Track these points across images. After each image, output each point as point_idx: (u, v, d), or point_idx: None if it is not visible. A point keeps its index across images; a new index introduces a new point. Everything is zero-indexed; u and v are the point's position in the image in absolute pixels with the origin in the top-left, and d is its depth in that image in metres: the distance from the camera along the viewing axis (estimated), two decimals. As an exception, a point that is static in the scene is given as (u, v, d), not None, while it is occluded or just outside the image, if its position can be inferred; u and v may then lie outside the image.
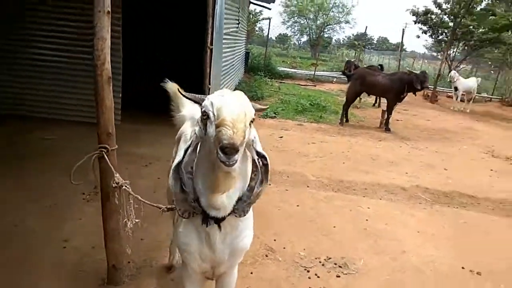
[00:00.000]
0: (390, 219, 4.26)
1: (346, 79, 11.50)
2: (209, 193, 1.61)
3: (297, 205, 4.43)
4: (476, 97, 14.05)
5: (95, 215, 3.71)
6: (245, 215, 1.70)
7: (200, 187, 1.64)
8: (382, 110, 9.13)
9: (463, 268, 3.39)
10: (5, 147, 5.23)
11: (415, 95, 9.37)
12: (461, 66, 19.62)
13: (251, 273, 3.10)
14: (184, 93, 1.74)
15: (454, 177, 5.93)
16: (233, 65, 10.87)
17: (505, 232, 4.21)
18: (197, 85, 6.76)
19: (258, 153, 1.65)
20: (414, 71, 8.71)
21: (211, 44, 6.73)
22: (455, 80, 13.12)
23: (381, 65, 13.22)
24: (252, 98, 11.33)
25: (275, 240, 3.62)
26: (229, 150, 1.39)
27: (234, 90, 8.07)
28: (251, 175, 1.67)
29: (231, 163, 1.42)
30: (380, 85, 8.69)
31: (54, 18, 6.59)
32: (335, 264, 3.32)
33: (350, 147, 7.17)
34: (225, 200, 1.61)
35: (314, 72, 16.94)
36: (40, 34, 6.62)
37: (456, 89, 13.42)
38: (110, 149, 2.54)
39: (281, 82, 14.93)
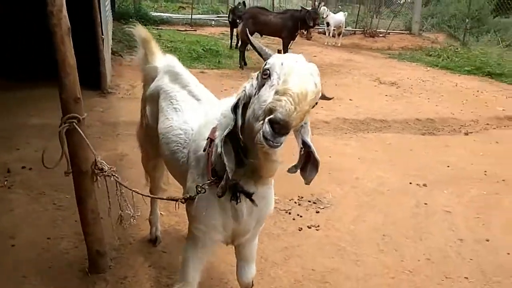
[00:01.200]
0: (331, 152, 4.49)
1: (229, 22, 11.37)
2: (248, 173, 1.47)
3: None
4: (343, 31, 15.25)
5: (28, 202, 3.11)
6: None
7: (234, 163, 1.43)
8: (278, 50, 9.25)
9: (410, 183, 3.81)
10: None
11: (306, 32, 9.71)
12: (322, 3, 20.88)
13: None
14: (251, 38, 1.49)
15: (361, 105, 6.47)
16: (109, 10, 9.65)
17: (425, 147, 4.83)
18: (84, 38, 5.84)
19: (303, 142, 1.45)
20: (305, 8, 8.94)
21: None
22: (326, 15, 13.94)
23: (244, 2, 13.02)
24: (135, 48, 10.45)
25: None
26: (280, 128, 1.14)
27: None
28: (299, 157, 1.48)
29: (275, 143, 1.16)
30: (273, 24, 8.74)
31: None
32: (309, 201, 3.40)
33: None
34: (268, 181, 1.53)
35: (191, 16, 16.13)
36: None
37: (328, 24, 14.33)
38: (81, 118, 2.03)
39: (158, 29, 13.88)
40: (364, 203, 3.44)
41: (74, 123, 1.99)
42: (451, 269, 2.62)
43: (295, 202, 3.36)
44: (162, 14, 16.82)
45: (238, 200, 1.53)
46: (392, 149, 4.72)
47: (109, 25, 7.07)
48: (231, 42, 11.29)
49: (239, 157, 1.43)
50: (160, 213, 3.07)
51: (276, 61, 1.28)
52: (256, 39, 1.64)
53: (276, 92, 1.17)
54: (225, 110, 1.50)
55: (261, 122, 1.20)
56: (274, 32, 9.14)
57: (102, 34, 6.00)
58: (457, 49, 13.34)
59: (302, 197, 3.44)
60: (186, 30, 14.49)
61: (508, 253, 2.81)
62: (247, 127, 1.35)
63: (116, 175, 2.10)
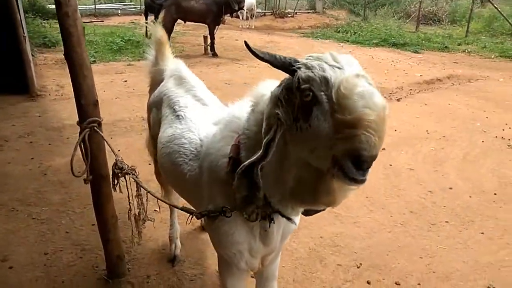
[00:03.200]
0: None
1: (146, 8, 10.92)
2: (298, 201, 1.25)
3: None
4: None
5: (4, 221, 2.93)
6: None
7: (275, 190, 1.25)
8: (204, 36, 9.19)
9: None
10: None
11: (231, 17, 9.73)
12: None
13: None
14: (258, 52, 1.14)
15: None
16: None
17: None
18: (6, 40, 5.23)
19: None
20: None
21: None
22: (238, -1, 14.07)
23: None
24: (45, 45, 9.53)
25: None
26: (369, 164, 0.98)
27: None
28: None
29: (364, 178, 1.00)
30: (197, 10, 8.62)
31: None
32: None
33: (199, 77, 7.11)
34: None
35: (94, 7, 15.06)
36: None
37: (240, 7, 14.47)
38: (100, 122, 1.92)
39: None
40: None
41: (95, 127, 1.87)
42: (433, 217, 3.02)
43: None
44: (61, 5, 15.41)
45: (273, 222, 1.37)
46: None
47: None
48: (147, 30, 10.84)
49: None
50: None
51: (315, 75, 1.01)
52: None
53: (344, 126, 0.95)
54: (247, 129, 1.29)
55: (330, 159, 1.01)
56: (198, 18, 9.01)
57: (24, 33, 5.42)
58: (360, 23, 14.49)
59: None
60: (92, 21, 13.59)
61: (470, 196, 3.30)
62: (291, 156, 1.16)
63: (136, 174, 2.01)
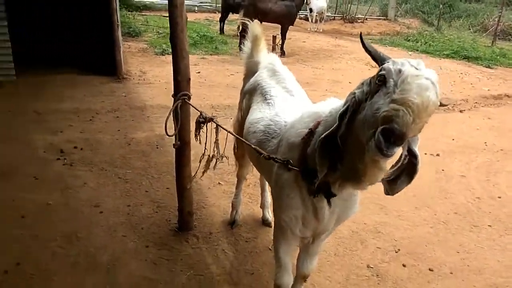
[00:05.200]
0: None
1: (222, 7, 11.58)
2: (343, 178, 1.44)
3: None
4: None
5: (96, 177, 3.41)
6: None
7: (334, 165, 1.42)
8: (273, 36, 9.60)
9: (425, 154, 4.32)
10: None
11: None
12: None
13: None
14: (366, 44, 1.38)
15: (361, 87, 6.94)
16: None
17: (429, 124, 5.35)
18: (101, 25, 5.99)
19: (409, 150, 1.37)
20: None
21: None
22: (309, 2, 14.33)
23: None
24: (129, 34, 10.48)
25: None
26: (396, 138, 1.12)
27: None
28: (393, 166, 1.41)
29: (389, 153, 1.15)
30: (273, 11, 9.04)
31: None
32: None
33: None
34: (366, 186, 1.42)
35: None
36: None
37: (311, 10, 14.73)
38: (190, 96, 2.37)
39: (142, 15, 13.85)
40: (390, 171, 3.92)
41: (186, 99, 2.31)
42: (476, 220, 3.16)
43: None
44: (145, 0, 16.66)
45: (316, 195, 1.54)
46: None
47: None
48: (222, 27, 11.50)
49: (333, 162, 1.42)
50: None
51: (393, 67, 1.21)
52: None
53: (394, 101, 1.13)
54: (334, 108, 1.49)
55: (373, 130, 1.17)
56: (275, 19, 9.39)
57: (118, 21, 6.17)
58: (433, 34, 14.11)
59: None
60: (171, 16, 14.50)
61: (518, 206, 3.39)
62: (353, 132, 1.33)
63: (216, 120, 2.33)
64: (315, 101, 5.97)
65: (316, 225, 1.68)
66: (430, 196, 3.48)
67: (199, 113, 2.34)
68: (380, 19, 17.50)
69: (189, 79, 2.36)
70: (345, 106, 1.36)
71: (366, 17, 16.99)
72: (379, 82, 1.23)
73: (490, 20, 15.08)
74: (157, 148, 4.09)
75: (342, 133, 1.35)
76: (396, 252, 2.71)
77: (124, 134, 4.35)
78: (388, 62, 1.25)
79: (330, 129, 1.38)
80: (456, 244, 2.83)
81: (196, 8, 16.25)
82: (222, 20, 11.45)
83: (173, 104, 2.34)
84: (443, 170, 3.95)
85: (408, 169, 1.39)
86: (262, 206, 2.95)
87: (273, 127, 1.90)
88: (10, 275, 2.29)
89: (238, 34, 9.41)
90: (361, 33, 1.51)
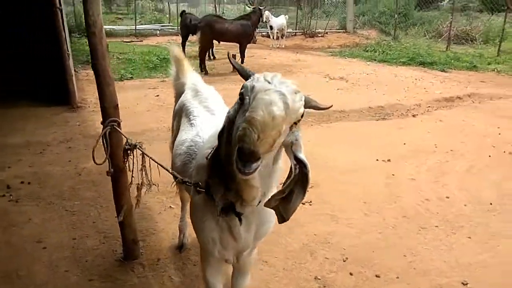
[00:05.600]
0: (304, 141, 5.00)
1: (180, 30, 11.66)
2: (238, 197, 1.42)
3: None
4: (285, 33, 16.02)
5: (42, 212, 3.32)
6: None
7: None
8: (232, 54, 9.72)
9: (377, 160, 4.42)
10: None
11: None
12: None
13: (244, 211, 3.38)
14: (233, 60, 1.51)
15: (317, 99, 7.03)
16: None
17: (382, 130, 5.51)
18: (52, 56, 5.90)
19: (297, 159, 1.35)
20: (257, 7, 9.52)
21: (60, 4, 5.89)
22: (269, 19, 14.62)
23: (184, 11, 13.18)
24: (88, 62, 10.38)
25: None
26: (248, 157, 1.14)
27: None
28: (286, 180, 1.38)
29: (246, 171, 1.16)
30: (230, 31, 9.18)
31: None
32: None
33: (226, 94, 7.54)
34: (253, 202, 1.43)
35: (135, 27, 16.11)
36: None
37: (271, 27, 15.04)
38: (119, 122, 2.34)
39: (104, 42, 13.78)
40: (344, 180, 3.97)
41: (115, 125, 2.29)
42: (424, 222, 3.22)
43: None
44: (105, 26, 16.55)
45: (223, 216, 1.52)
46: (355, 135, 5.34)
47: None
48: (183, 50, 11.53)
49: (226, 181, 1.42)
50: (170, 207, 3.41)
51: (249, 83, 1.25)
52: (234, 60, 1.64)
53: (244, 119, 1.15)
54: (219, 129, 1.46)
55: (235, 150, 1.19)
56: (232, 38, 9.53)
57: (68, 50, 6.10)
58: (390, 43, 14.62)
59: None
60: (132, 41, 14.50)
61: (465, 205, 3.48)
62: (230, 152, 1.30)
63: (141, 147, 2.28)
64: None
65: (234, 244, 1.65)
66: (380, 201, 3.53)
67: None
68: (339, 32, 18.03)
69: (117, 105, 2.34)
70: (222, 126, 1.37)
71: (326, 31, 17.47)
72: (240, 101, 1.26)
73: (444, 26, 15.74)
74: (109, 176, 4.00)
75: (227, 153, 1.35)
76: (344, 261, 2.72)
77: (75, 165, 4.25)
78: (250, 78, 1.28)
79: (213, 150, 1.39)
80: (404, 248, 2.87)
81: (158, 32, 16.29)
82: (183, 42, 11.50)
83: (102, 132, 2.30)
84: (393, 175, 4.03)
85: (300, 180, 1.36)
86: (180, 228, 2.90)
87: (193, 148, 1.90)
88: None
89: (198, 56, 9.47)
90: (228, 52, 1.57)
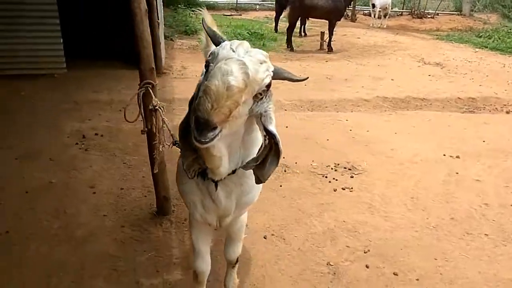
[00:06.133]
0: (369, 126, 4.75)
1: (275, 5, 11.64)
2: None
3: (286, 126, 4.69)
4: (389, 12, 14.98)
5: (104, 161, 3.66)
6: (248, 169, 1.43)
7: None
8: (321, 32, 9.46)
9: (444, 155, 4.02)
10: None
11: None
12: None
13: (280, 186, 3.38)
14: (205, 25, 1.51)
15: (402, 85, 6.59)
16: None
17: (464, 124, 4.96)
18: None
19: (266, 130, 1.33)
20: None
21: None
22: (372, -3, 13.78)
23: None
24: (185, 32, 11.00)
25: (284, 157, 3.88)
26: (202, 125, 1.13)
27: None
28: (259, 150, 1.38)
29: (202, 140, 1.16)
30: (320, 7, 8.91)
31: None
32: (345, 168, 3.72)
33: (303, 70, 7.47)
34: (219, 172, 1.44)
35: (236, 1, 16.50)
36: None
37: (373, 6, 14.15)
38: (154, 84, 2.49)
39: (205, 14, 14.41)
40: (397, 170, 3.71)
41: (149, 88, 2.44)
42: (473, 227, 2.88)
43: (332, 168, 3.70)
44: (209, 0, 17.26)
45: (205, 179, 1.54)
46: (430, 125, 4.90)
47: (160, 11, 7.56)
48: (276, 25, 11.54)
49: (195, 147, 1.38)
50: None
51: (216, 50, 1.24)
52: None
53: (203, 87, 1.15)
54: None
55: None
56: (321, 15, 9.26)
57: (158, 19, 6.53)
58: (510, 30, 12.80)
59: (338, 164, 3.77)
60: (232, 15, 14.92)
61: (532, 217, 3.01)
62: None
63: (162, 108, 2.44)
64: (347, 98, 5.69)
65: (215, 208, 1.65)
66: (430, 199, 3.23)
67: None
68: (453, 14, 16.27)
69: (153, 68, 2.48)
70: (194, 93, 1.37)
71: (437, 12, 15.91)
72: (205, 68, 1.25)
73: None
74: (170, 137, 4.29)
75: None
76: (365, 252, 2.58)
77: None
78: (219, 45, 1.26)
79: (185, 116, 1.40)
80: (438, 251, 2.61)
81: (258, 7, 16.47)
82: (276, 18, 11.49)
83: (136, 92, 2.47)
84: (457, 173, 3.63)
85: (273, 150, 1.36)
86: None
87: None
88: (-2, 240, 2.61)
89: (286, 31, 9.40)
90: (202, 18, 1.52)
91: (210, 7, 16.17)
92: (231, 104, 1.14)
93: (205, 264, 1.92)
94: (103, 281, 2.31)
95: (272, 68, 1.28)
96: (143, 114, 2.51)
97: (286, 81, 1.41)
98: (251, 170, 1.43)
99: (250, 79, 1.17)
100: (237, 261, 2.07)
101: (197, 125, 1.14)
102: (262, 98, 1.28)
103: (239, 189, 1.62)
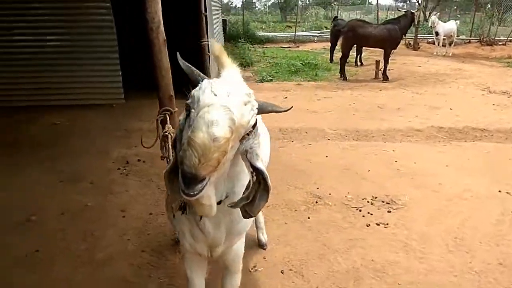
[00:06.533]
0: (418, 158, 4.42)
1: (330, 36, 11.62)
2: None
3: (326, 156, 4.53)
4: (455, 40, 14.25)
5: (140, 186, 3.76)
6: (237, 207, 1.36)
7: None
8: (376, 61, 9.22)
9: (499, 191, 3.59)
10: (22, 134, 5.14)
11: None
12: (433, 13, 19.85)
13: (308, 218, 3.21)
14: (181, 61, 1.42)
15: (461, 114, 6.13)
16: (218, 33, 10.69)
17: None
18: (195, 56, 6.67)
19: (253, 167, 1.27)
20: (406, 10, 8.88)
21: (205, 11, 6.60)
22: (436, 25, 13.25)
23: (336, 17, 13.04)
24: (241, 65, 11.26)
25: (318, 188, 3.73)
26: (189, 180, 1.08)
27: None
28: (247, 184, 1.33)
29: (191, 193, 1.10)
30: (373, 36, 8.72)
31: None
32: (383, 201, 3.46)
33: (354, 99, 7.27)
34: (209, 216, 1.37)
35: (294, 34, 16.79)
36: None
37: (437, 34, 13.59)
38: (173, 111, 2.53)
39: (263, 47, 14.79)
40: (443, 207, 3.37)
41: (167, 114, 2.48)
42: (527, 276, 2.49)
43: (368, 201, 3.46)
44: (268, 33, 17.77)
45: (185, 212, 1.51)
46: (488, 158, 4.45)
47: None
48: (331, 55, 11.47)
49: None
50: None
51: (195, 93, 1.16)
52: None
53: (187, 139, 1.08)
54: None
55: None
56: (376, 43, 9.04)
57: (209, 52, 6.78)
58: None
59: (375, 197, 3.52)
60: (289, 47, 15.17)
61: None
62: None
63: (171, 134, 2.42)
64: (397, 128, 5.43)
65: (204, 239, 1.59)
66: (477, 240, 2.87)
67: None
68: (530, 40, 15.07)
69: (171, 96, 2.52)
70: (175, 134, 1.31)
71: (509, 38, 14.85)
72: (187, 111, 1.17)
73: None
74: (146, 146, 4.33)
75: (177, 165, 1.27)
76: (390, 297, 2.33)
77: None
78: (199, 85, 1.18)
79: (172, 161, 1.33)
80: (478, 301, 2.28)
81: (316, 38, 16.59)
82: (332, 48, 11.44)
83: (156, 119, 2.52)
84: (513, 212, 3.21)
85: (262, 185, 1.30)
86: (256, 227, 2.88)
87: None
88: (27, 258, 2.74)
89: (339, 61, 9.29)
90: (177, 52, 1.46)
91: (269, 41, 16.65)
92: (219, 155, 1.08)
93: None
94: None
95: (256, 105, 1.22)
96: (159, 139, 2.54)
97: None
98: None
99: (236, 125, 1.11)
100: (236, 295, 1.95)
101: (184, 178, 1.09)
102: (248, 137, 1.23)
103: (228, 219, 1.55)
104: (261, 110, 1.26)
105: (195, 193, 1.10)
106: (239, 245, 1.79)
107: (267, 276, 2.52)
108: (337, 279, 2.49)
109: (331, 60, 11.32)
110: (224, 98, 1.12)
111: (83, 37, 6.35)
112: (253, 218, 1.64)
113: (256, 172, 1.28)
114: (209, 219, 1.51)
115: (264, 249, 2.79)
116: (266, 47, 15.11)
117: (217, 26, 10.36)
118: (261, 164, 1.28)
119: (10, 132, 5.25)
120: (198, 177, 1.07)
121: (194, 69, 1.39)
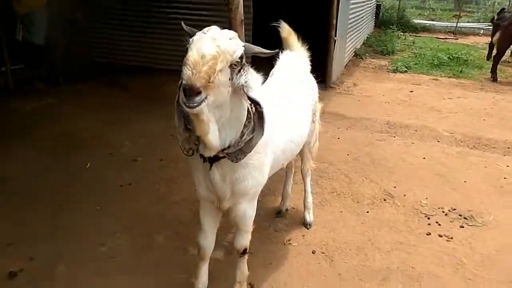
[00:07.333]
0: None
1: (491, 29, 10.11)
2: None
3: (423, 158, 4.22)
4: None
5: None
6: (237, 161, 1.65)
7: None
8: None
9: None
10: (160, 93, 6.02)
11: None
12: None
13: (367, 212, 3.16)
14: (183, 25, 1.69)
15: None
16: (362, 18, 10.33)
17: None
18: (323, 38, 6.70)
19: (250, 99, 1.55)
20: None
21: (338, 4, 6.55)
22: None
23: (503, 9, 10.89)
24: (381, 52, 10.78)
25: (395, 187, 3.57)
26: (187, 91, 1.36)
27: (362, 45, 8.07)
28: (245, 122, 1.61)
29: (190, 105, 1.38)
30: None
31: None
32: (460, 215, 3.15)
33: (494, 103, 6.38)
34: (209, 141, 1.55)
35: (456, 24, 15.05)
36: None
37: None
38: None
39: (416, 36, 13.72)
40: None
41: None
42: None
43: (443, 211, 3.19)
44: (425, 21, 16.36)
45: (204, 160, 1.71)
46: None
47: (343, 29, 7.66)
48: (489, 52, 10.03)
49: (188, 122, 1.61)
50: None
51: (191, 38, 1.48)
52: None
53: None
54: None
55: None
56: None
57: (335, 37, 6.76)
58: None
59: (454, 209, 3.22)
60: (445, 38, 13.77)
61: None
62: None
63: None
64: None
65: (212, 189, 1.81)
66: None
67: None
68: None
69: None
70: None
71: None
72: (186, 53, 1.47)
73: None
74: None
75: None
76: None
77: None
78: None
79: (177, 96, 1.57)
80: None
81: (481, 31, 14.58)
82: (491, 44, 9.98)
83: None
84: None
85: (257, 116, 1.57)
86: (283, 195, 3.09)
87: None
88: (122, 188, 3.41)
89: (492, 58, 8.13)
90: (182, 22, 1.69)
91: (426, 29, 15.36)
92: (208, 69, 1.37)
93: (207, 241, 2.08)
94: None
95: (242, 44, 1.50)
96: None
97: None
98: (244, 160, 1.66)
99: (221, 49, 1.41)
100: (244, 252, 2.12)
101: (184, 92, 1.38)
102: (240, 70, 1.48)
103: (233, 175, 1.77)
104: (248, 49, 1.52)
105: (194, 105, 1.38)
106: (248, 207, 1.98)
107: (297, 251, 2.64)
108: (363, 273, 2.46)
109: (488, 57, 9.90)
110: (211, 34, 1.46)
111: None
112: (259, 182, 1.87)
113: (253, 102, 1.55)
114: (217, 171, 1.73)
115: (308, 228, 2.90)
116: (420, 36, 13.98)
117: (361, 11, 10.03)
118: (256, 96, 1.55)
119: (151, 90, 6.24)
120: (194, 87, 1.35)
121: (195, 30, 1.58)
